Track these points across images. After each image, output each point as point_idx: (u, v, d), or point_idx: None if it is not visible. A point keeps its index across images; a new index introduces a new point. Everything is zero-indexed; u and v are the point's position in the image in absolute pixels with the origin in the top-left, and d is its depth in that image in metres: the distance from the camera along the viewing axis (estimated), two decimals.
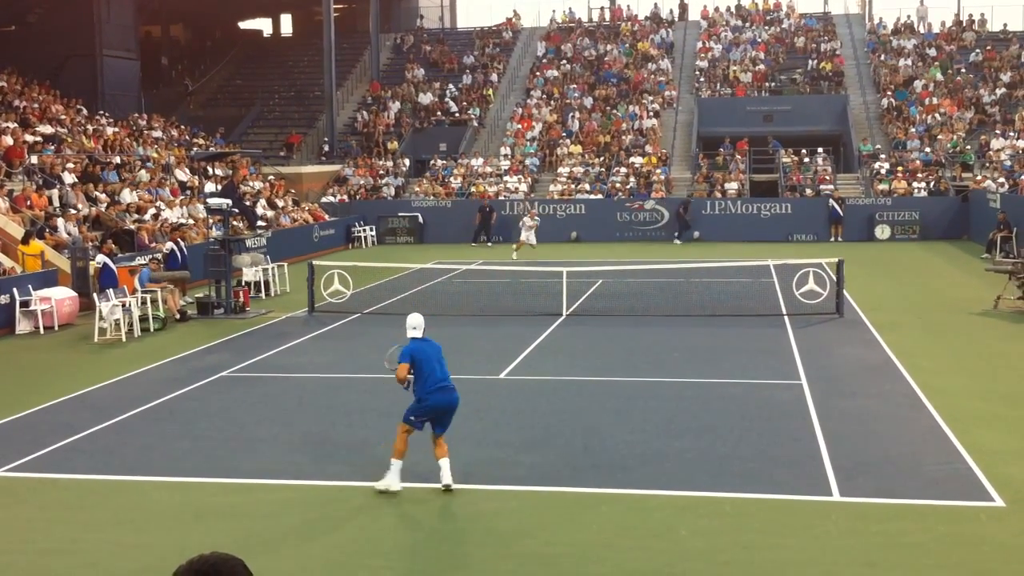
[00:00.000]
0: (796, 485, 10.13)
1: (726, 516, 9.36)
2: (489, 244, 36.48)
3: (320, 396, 14.39)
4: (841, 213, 36.11)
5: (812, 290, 20.91)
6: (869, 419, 12.55)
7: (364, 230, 38.01)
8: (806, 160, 40.25)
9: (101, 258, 21.30)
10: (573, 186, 39.51)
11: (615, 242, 35.78)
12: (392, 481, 10.00)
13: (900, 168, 38.60)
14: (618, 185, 39.14)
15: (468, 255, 32.27)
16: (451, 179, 41.06)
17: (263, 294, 24.42)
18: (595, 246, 34.90)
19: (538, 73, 48.01)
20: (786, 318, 19.87)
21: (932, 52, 46.60)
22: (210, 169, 26.70)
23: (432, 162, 42.89)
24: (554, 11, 53.64)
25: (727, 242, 35.55)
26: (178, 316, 21.09)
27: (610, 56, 48.60)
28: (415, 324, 10.30)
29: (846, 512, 9.40)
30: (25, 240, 22.45)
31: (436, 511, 9.81)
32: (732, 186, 38.64)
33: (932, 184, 37.46)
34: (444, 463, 10.03)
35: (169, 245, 23.70)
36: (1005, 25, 48.33)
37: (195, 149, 36.46)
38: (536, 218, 33.66)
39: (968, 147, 39.64)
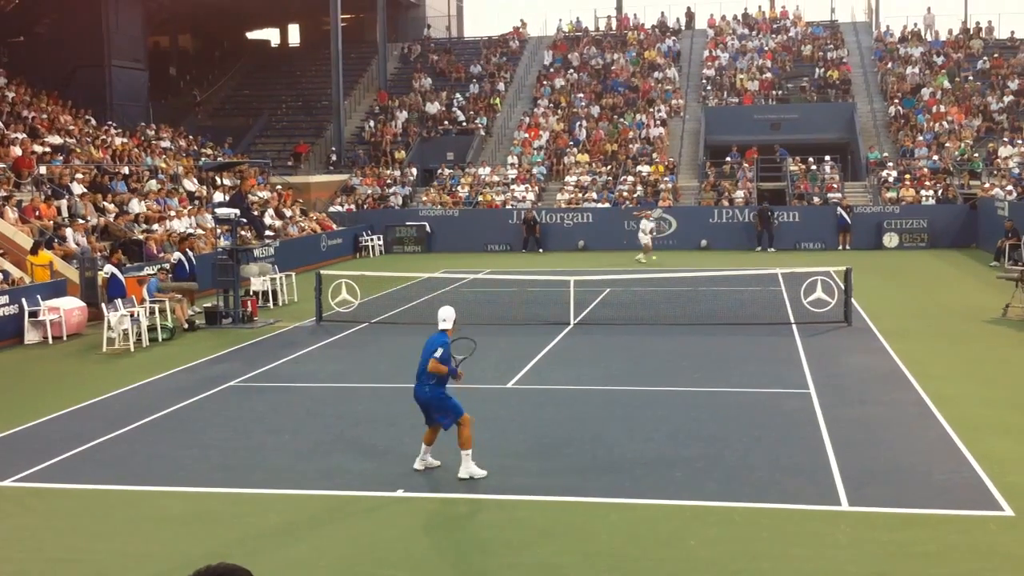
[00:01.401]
0: (805, 494, 10.11)
1: (735, 525, 9.34)
2: (540, 251, 37.03)
3: (328, 405, 14.40)
4: (849, 221, 36.08)
5: (820, 298, 20.87)
6: (878, 428, 12.52)
7: (372, 239, 38.06)
8: (813, 168, 40.22)
9: (109, 268, 21.36)
10: (580, 195, 39.54)
11: (622, 250, 35.76)
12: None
13: (908, 176, 38.55)
14: (625, 194, 39.16)
15: (477, 264, 32.27)
16: (458, 188, 41.11)
17: (271, 304, 24.48)
18: (602, 255, 34.91)
19: (545, 82, 48.08)
20: (794, 326, 19.84)
21: (939, 60, 46.55)
22: (218, 179, 26.76)
23: (439, 171, 42.94)
24: (561, 20, 53.87)
25: (735, 250, 35.65)
26: (186, 326, 21.13)
27: (617, 65, 48.66)
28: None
29: (855, 521, 9.37)
30: (34, 250, 22.53)
31: (444, 520, 9.81)
32: (739, 194, 38.64)
33: (940, 192, 37.41)
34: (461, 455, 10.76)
35: (177, 255, 23.76)
36: (1012, 32, 48.28)
37: (203, 159, 36.58)
38: (652, 219, 33.99)
39: (976, 155, 39.58)
